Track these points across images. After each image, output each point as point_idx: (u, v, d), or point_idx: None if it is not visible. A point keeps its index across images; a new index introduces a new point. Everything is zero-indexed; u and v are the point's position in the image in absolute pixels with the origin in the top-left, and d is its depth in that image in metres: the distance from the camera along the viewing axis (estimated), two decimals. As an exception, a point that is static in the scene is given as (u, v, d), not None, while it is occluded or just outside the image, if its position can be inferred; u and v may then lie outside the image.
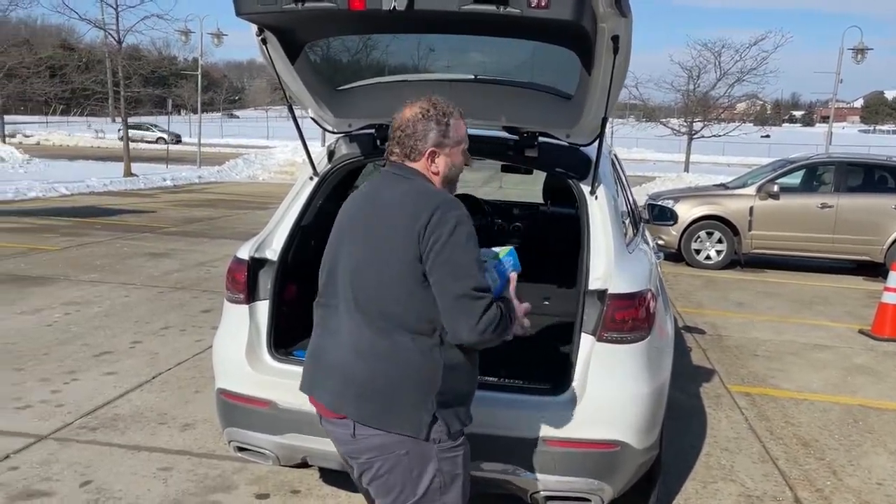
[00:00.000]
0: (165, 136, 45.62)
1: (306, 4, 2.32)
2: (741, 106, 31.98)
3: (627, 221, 3.81)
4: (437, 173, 2.12)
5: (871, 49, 22.54)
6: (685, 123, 25.75)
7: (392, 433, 2.02)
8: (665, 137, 27.64)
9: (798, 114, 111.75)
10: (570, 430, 2.76)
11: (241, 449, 3.12)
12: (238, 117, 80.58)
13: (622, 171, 4.83)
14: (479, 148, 3.48)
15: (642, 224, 4.71)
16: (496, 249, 2.24)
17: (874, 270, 10.25)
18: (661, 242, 10.64)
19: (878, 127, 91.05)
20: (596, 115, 2.92)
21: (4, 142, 26.37)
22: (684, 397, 5.04)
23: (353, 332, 2.08)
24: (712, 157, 39.35)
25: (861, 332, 7.19)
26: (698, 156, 31.10)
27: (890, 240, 9.97)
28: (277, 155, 27.01)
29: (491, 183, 19.61)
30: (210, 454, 3.85)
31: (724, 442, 4.38)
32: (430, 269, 1.96)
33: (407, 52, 3.28)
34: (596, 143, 3.11)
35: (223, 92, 67.35)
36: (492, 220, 5.54)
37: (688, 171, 25.55)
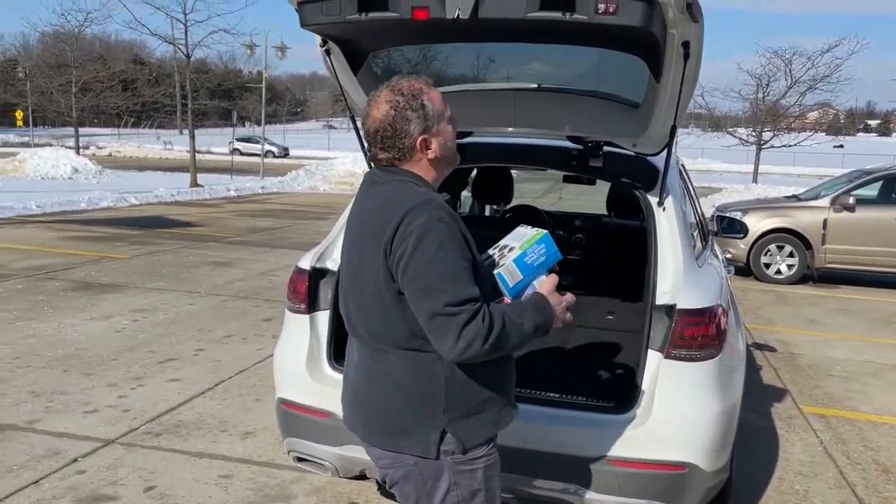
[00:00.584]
0: (274, 149, 46.78)
1: (370, 15, 2.32)
2: (813, 115, 30.89)
3: (696, 234, 3.68)
4: (434, 158, 1.92)
5: (954, 54, 21.47)
6: (753, 133, 25.02)
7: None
8: (732, 147, 26.89)
9: (874, 123, 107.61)
10: (636, 450, 2.65)
11: (300, 459, 3.12)
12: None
13: (690, 181, 4.68)
14: (543, 158, 3.46)
15: (711, 237, 4.55)
16: (526, 232, 2.00)
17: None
18: (728, 256, 10.30)
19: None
20: (664, 123, 2.82)
21: (79, 153, 27.49)
22: (755, 417, 4.83)
23: (357, 350, 2.03)
24: (782, 167, 38.18)
25: (945, 352, 6.80)
26: (767, 166, 30.18)
27: (976, 255, 9.43)
28: (338, 166, 27.41)
29: (551, 194, 19.51)
30: (270, 463, 3.86)
31: (797, 466, 4.17)
32: (402, 287, 1.81)
33: (468, 63, 3.25)
34: (664, 153, 3.00)
35: (286, 104, 68.89)
36: (553, 232, 5.46)
37: (756, 182, 24.79)
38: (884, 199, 10.43)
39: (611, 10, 2.11)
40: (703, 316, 2.75)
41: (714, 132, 27.66)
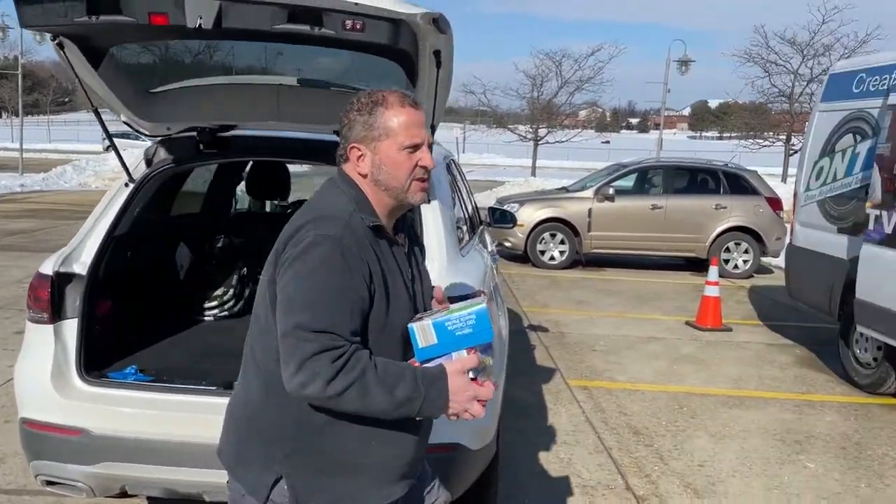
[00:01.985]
0: None
1: (101, 18, 2.17)
2: (583, 113, 33.75)
3: (464, 226, 3.86)
4: (364, 175, 1.74)
5: (695, 61, 24.49)
6: (531, 130, 26.79)
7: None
8: (513, 143, 28.61)
9: (634, 121, 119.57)
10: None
11: (49, 483, 2.84)
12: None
13: (461, 176, 4.90)
14: (312, 152, 3.44)
15: (481, 228, 4.80)
16: (474, 300, 1.77)
17: (700, 266, 11.07)
18: (508, 244, 10.97)
19: (703, 133, 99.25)
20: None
21: None
22: (526, 394, 5.19)
23: (243, 364, 1.85)
24: (558, 161, 41.13)
25: (687, 323, 7.75)
26: (545, 161, 32.43)
27: (712, 237, 10.83)
28: (111, 161, 25.22)
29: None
30: (21, 490, 3.50)
31: (563, 435, 4.54)
32: (278, 294, 1.65)
33: (254, 54, 3.14)
34: (435, 149, 3.11)
35: (50, 93, 62.32)
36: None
37: (535, 176, 26.56)
38: (638, 189, 11.64)
39: (358, 27, 2.16)
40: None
41: (497, 129, 29.19)
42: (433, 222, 3.06)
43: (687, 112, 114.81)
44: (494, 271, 3.94)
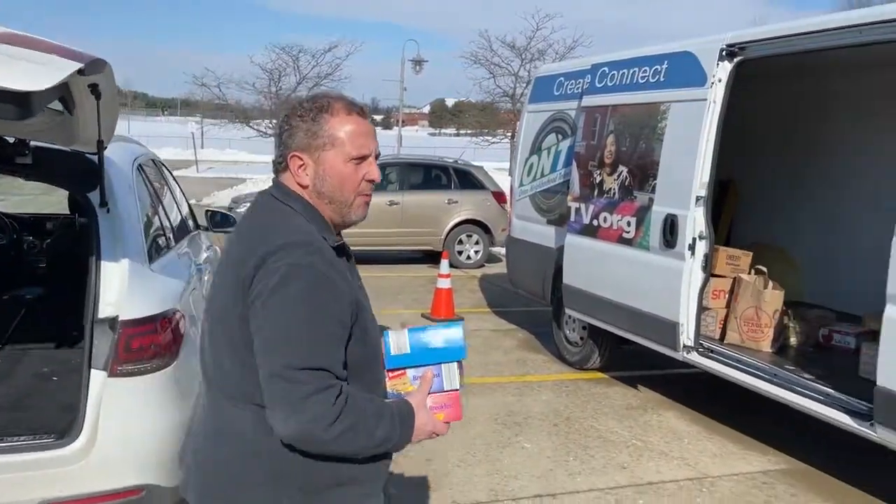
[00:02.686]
0: None
1: None
2: (326, 109, 33.55)
3: (165, 234, 3.52)
4: (305, 187, 1.64)
5: (427, 61, 25.56)
6: (271, 125, 26.12)
7: None
8: (252, 139, 27.70)
9: (379, 118, 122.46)
10: (81, 486, 2.40)
11: None
12: None
13: (168, 177, 4.50)
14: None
15: (194, 234, 4.43)
16: (443, 323, 1.80)
17: (437, 258, 11.50)
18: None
19: (443, 130, 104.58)
20: (91, 137, 2.61)
21: None
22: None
23: (207, 405, 1.68)
24: (304, 157, 40.76)
25: (423, 315, 7.97)
26: (291, 157, 31.91)
27: (446, 230, 11.31)
28: None
29: (55, 192, 17.41)
30: None
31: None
32: (252, 332, 1.51)
33: None
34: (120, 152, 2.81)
35: None
36: (19, 238, 4.76)
37: (279, 173, 25.97)
38: (377, 186, 11.53)
39: None
40: (154, 324, 2.61)
41: (241, 124, 28.05)
42: (112, 232, 2.71)
43: (427, 109, 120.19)
44: (202, 283, 3.61)
